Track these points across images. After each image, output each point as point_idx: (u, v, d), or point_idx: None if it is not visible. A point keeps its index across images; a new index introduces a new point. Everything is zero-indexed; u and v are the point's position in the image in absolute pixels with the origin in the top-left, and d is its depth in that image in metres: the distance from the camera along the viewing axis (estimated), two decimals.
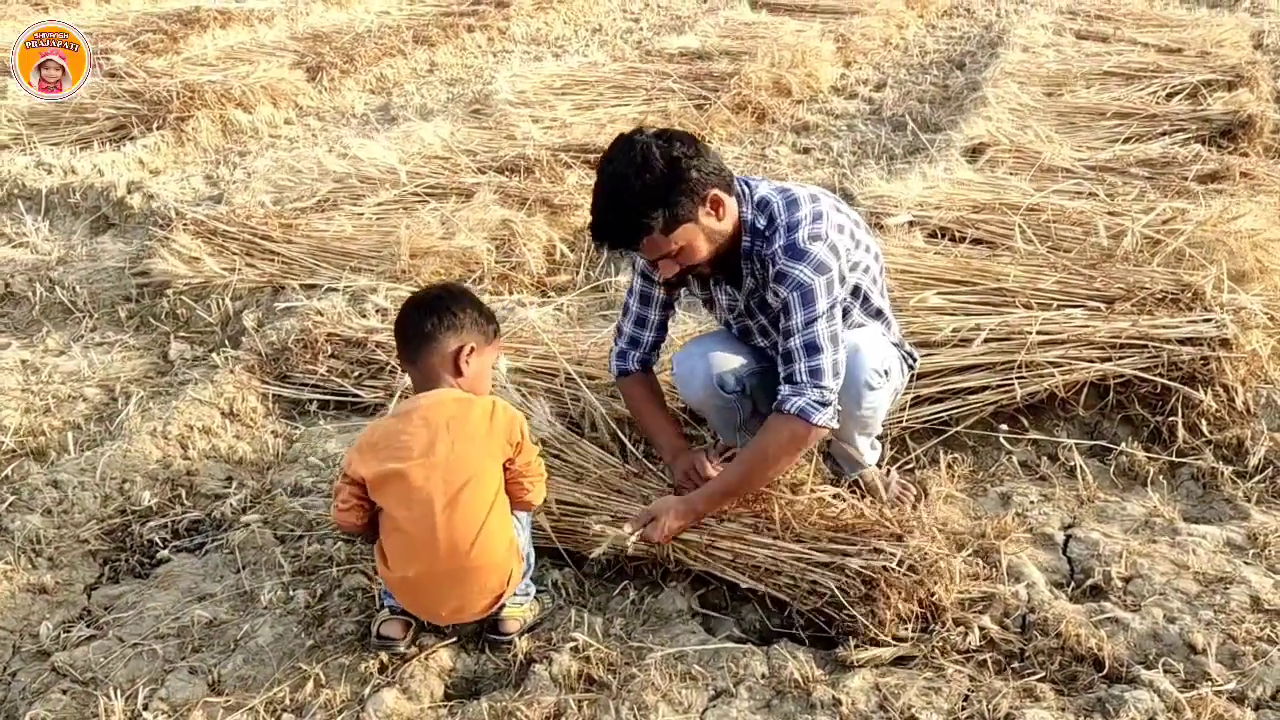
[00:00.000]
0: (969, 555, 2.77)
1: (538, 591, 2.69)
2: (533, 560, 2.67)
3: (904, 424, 3.24)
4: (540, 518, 2.77)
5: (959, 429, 3.28)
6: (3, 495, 3.17)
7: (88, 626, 2.78)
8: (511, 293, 4.38)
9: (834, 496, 2.70)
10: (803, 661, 2.43)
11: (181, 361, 4.16)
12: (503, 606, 2.55)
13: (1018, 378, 3.24)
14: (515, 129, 6.00)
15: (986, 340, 3.32)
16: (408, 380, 3.01)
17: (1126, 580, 2.70)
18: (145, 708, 2.45)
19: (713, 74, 6.88)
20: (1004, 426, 3.27)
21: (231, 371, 3.81)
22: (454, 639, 2.59)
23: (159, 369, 4.15)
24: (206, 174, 6.14)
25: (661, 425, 2.92)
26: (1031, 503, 3.04)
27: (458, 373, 2.51)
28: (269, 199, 5.02)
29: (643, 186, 2.45)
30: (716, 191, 2.54)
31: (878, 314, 2.82)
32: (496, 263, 4.41)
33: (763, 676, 2.44)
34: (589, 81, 6.89)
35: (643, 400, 2.97)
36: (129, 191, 5.58)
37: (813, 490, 2.72)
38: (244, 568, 2.92)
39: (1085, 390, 3.30)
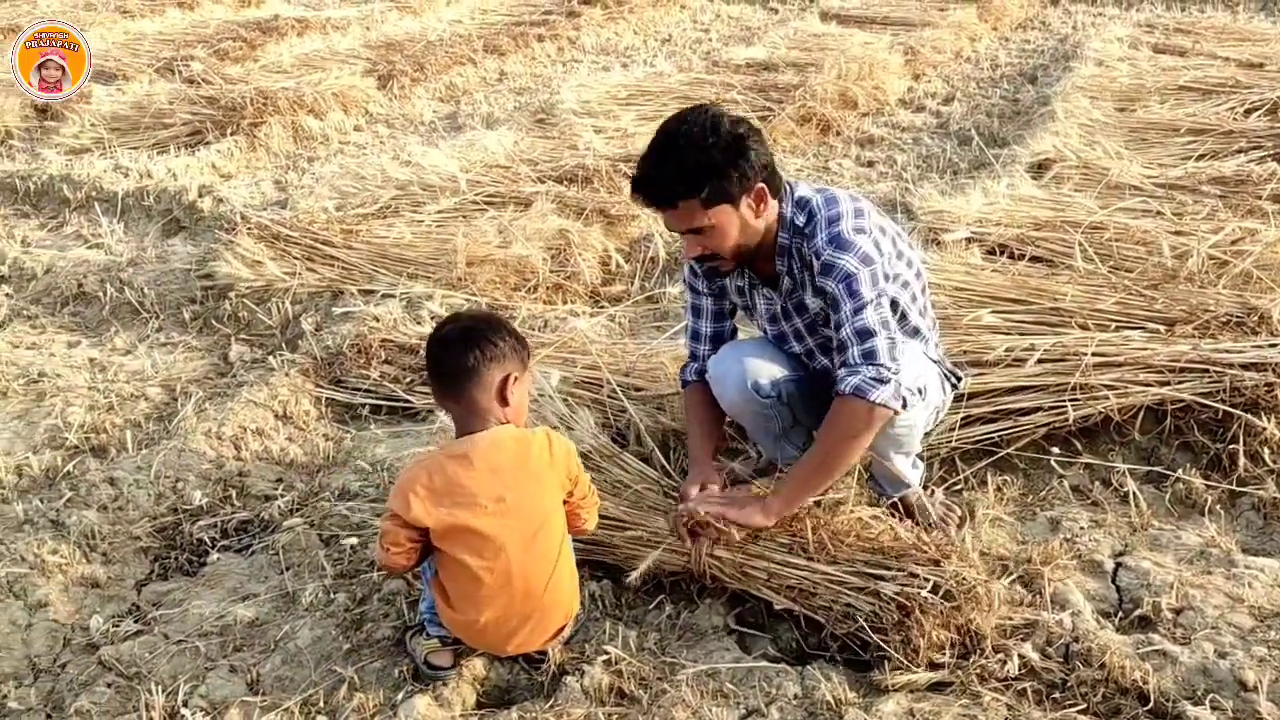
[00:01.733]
0: (1012, 581, 2.72)
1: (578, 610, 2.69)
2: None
3: (953, 444, 3.19)
4: None
5: (1009, 450, 3.22)
6: (62, 490, 3.26)
7: (135, 622, 2.84)
8: (565, 302, 4.40)
9: (872, 518, 2.65)
10: (836, 684, 2.40)
11: (241, 363, 4.23)
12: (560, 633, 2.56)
13: (1071, 400, 3.16)
14: (578, 139, 6.02)
15: (1040, 361, 3.26)
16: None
17: (1177, 612, 2.63)
18: (185, 704, 2.50)
19: (778, 85, 6.84)
20: (1055, 450, 3.20)
21: (286, 374, 3.88)
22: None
23: (219, 370, 4.23)
24: (276, 179, 6.25)
25: (696, 435, 2.91)
26: (1081, 528, 2.97)
27: (504, 403, 2.42)
28: (332, 205, 5.10)
29: (702, 149, 2.44)
30: (764, 187, 2.53)
31: (915, 333, 2.77)
32: (551, 272, 4.43)
33: (795, 697, 2.41)
34: (653, 92, 6.90)
35: (691, 409, 2.97)
36: (200, 195, 5.71)
37: (851, 510, 2.68)
38: (287, 569, 2.96)
39: (1142, 415, 3.21)
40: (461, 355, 2.40)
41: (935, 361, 2.85)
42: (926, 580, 2.42)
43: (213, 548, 3.11)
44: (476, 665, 2.56)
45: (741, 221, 2.55)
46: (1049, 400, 3.20)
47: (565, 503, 2.52)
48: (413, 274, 4.42)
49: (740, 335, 3.04)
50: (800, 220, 2.59)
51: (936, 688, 2.41)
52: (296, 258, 4.62)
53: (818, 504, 2.72)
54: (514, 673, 2.58)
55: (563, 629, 2.54)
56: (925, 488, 3.03)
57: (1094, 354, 3.24)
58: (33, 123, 7.54)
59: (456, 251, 4.38)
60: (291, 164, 6.60)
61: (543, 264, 4.42)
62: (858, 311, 2.50)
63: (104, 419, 3.81)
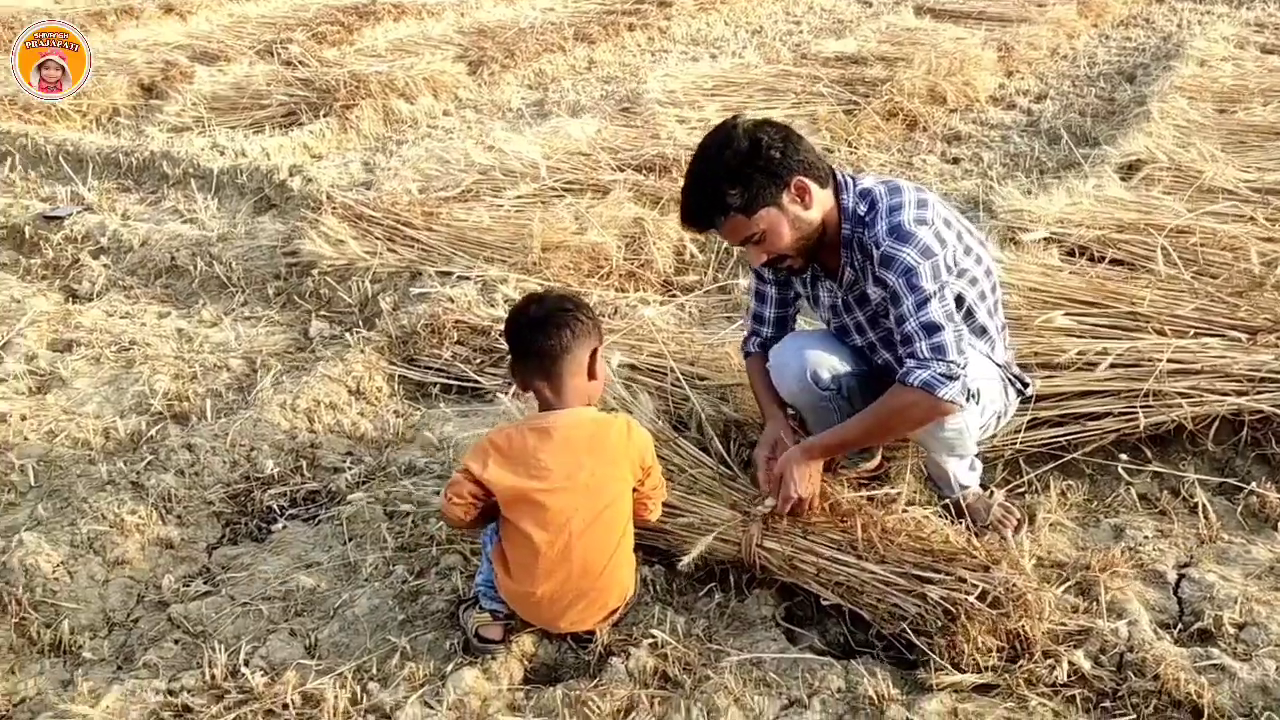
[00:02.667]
0: (1068, 587, 2.68)
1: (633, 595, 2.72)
2: None
3: (1018, 446, 3.14)
4: None
5: (1076, 455, 3.16)
6: (144, 454, 3.39)
7: (205, 583, 2.95)
8: (637, 290, 4.43)
9: (924, 518, 2.64)
10: (880, 680, 2.39)
11: (320, 339, 4.35)
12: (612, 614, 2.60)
13: (1142, 406, 3.10)
14: (661, 128, 6.04)
15: (1113, 365, 3.19)
16: None
17: (1240, 627, 2.56)
18: (246, 663, 2.59)
19: (865, 79, 6.78)
20: (1124, 456, 3.13)
21: (362, 351, 3.97)
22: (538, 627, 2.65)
23: (299, 345, 4.35)
24: (364, 160, 6.38)
25: (763, 392, 2.94)
26: (1146, 538, 2.91)
27: (593, 376, 2.51)
28: (415, 187, 5.20)
29: (722, 163, 2.47)
30: (802, 178, 2.52)
31: (981, 332, 2.74)
32: (625, 259, 4.46)
33: (838, 691, 2.41)
34: (740, 83, 6.89)
35: (756, 373, 2.99)
36: (290, 175, 5.86)
37: (904, 510, 2.67)
38: (350, 540, 3.05)
39: (1217, 424, 3.13)
40: (553, 336, 2.47)
41: (1000, 365, 2.81)
42: (975, 586, 2.39)
43: (281, 515, 3.21)
44: (525, 642, 2.60)
45: (791, 218, 2.55)
46: (1120, 406, 3.14)
47: (635, 491, 2.56)
48: (489, 257, 4.49)
49: (802, 324, 3.04)
50: (863, 209, 2.58)
51: (982, 689, 2.39)
52: (378, 238, 4.72)
53: (870, 499, 2.72)
54: (561, 651, 2.62)
55: (616, 610, 2.57)
56: (985, 488, 3.00)
57: (1169, 360, 3.16)
58: (139, 100, 7.83)
59: (532, 236, 4.43)
60: (380, 146, 6.74)
61: (616, 251, 4.45)
62: (921, 306, 2.48)
63: (187, 388, 3.95)
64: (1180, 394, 3.10)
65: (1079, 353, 3.25)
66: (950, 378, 2.47)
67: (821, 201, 2.57)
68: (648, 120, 6.36)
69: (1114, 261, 3.91)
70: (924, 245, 2.49)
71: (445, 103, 7.59)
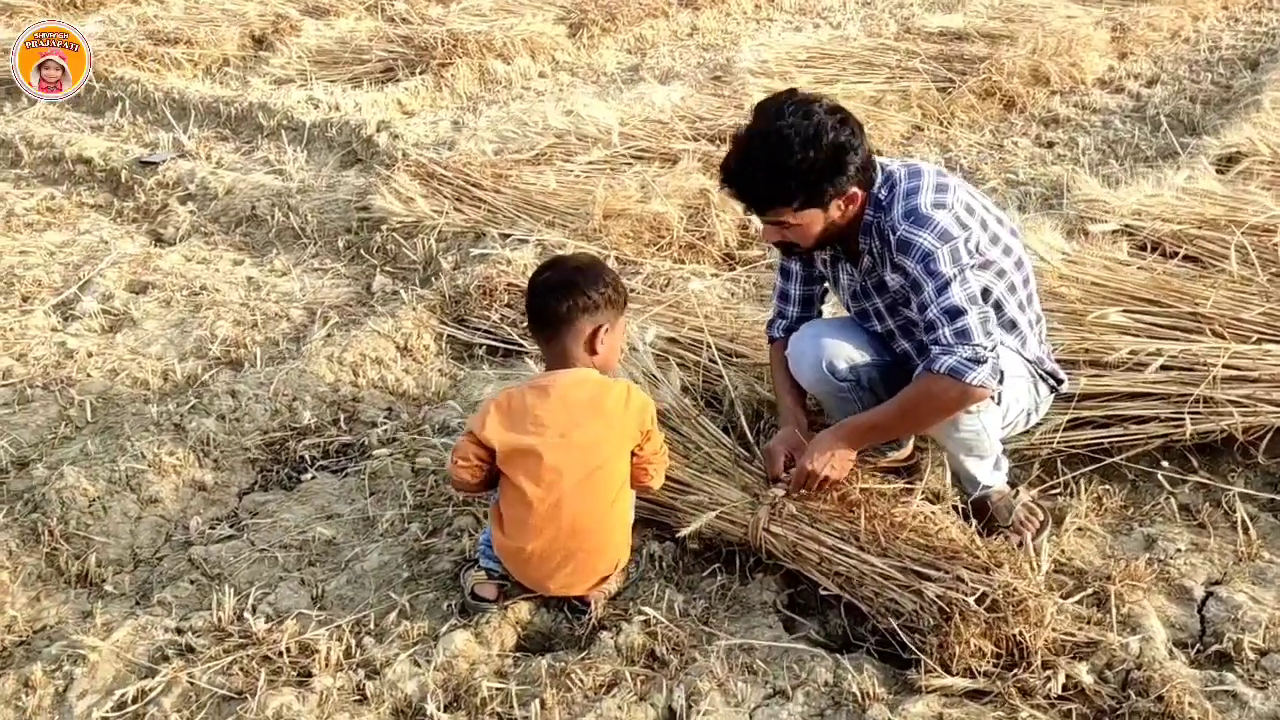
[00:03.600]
0: (1084, 596, 2.58)
1: (626, 563, 2.71)
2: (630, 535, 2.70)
3: (1055, 446, 3.02)
4: None
5: (1118, 459, 3.03)
6: (189, 398, 3.50)
7: (230, 527, 3.04)
8: (697, 262, 4.38)
9: (933, 513, 2.56)
10: (866, 677, 2.33)
11: (382, 294, 4.42)
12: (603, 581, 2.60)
13: (1190, 412, 2.94)
14: (746, 99, 5.94)
15: (1164, 367, 3.04)
16: None
17: (1262, 654, 2.42)
18: (254, 609, 2.66)
19: (964, 56, 6.55)
20: (1166, 464, 2.99)
21: (414, 309, 4.02)
22: (536, 595, 2.65)
23: (360, 299, 4.43)
24: (454, 119, 6.43)
25: (782, 389, 2.87)
26: (1178, 550, 2.77)
27: (592, 352, 2.51)
28: (491, 148, 5.23)
29: (802, 160, 2.37)
30: (857, 190, 2.47)
31: (1011, 326, 2.63)
32: (686, 230, 4.42)
33: (825, 685, 2.36)
34: (835, 56, 6.73)
35: (778, 365, 2.92)
36: (377, 130, 5.95)
37: (914, 504, 2.59)
38: (372, 495, 3.10)
39: (1270, 436, 2.96)
40: (556, 303, 2.49)
41: (1031, 361, 2.70)
42: (974, 587, 2.31)
43: (311, 466, 3.29)
44: (522, 609, 2.62)
45: (827, 222, 2.50)
46: (1167, 410, 2.99)
47: (634, 456, 2.55)
48: (551, 222, 4.49)
49: (829, 311, 2.97)
50: (883, 195, 2.50)
51: (973, 695, 2.32)
52: (446, 197, 4.77)
53: (882, 491, 2.65)
54: (557, 620, 2.63)
55: (607, 578, 2.57)
56: (1013, 487, 2.89)
57: (1225, 365, 3.00)
58: (249, 52, 8.04)
59: (595, 203, 4.42)
60: (472, 106, 6.78)
61: (678, 222, 4.41)
62: (942, 290, 2.40)
63: (247, 335, 4.07)
64: (1233, 402, 2.94)
65: (1130, 352, 3.10)
66: (977, 361, 2.39)
67: (860, 204, 2.51)
68: (736, 90, 6.27)
69: (1186, 258, 3.71)
70: (941, 229, 2.40)
71: (541, 64, 7.59)
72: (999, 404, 2.58)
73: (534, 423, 2.44)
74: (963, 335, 2.40)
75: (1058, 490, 3.00)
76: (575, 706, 2.35)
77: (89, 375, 3.79)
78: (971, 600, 2.29)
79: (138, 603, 2.77)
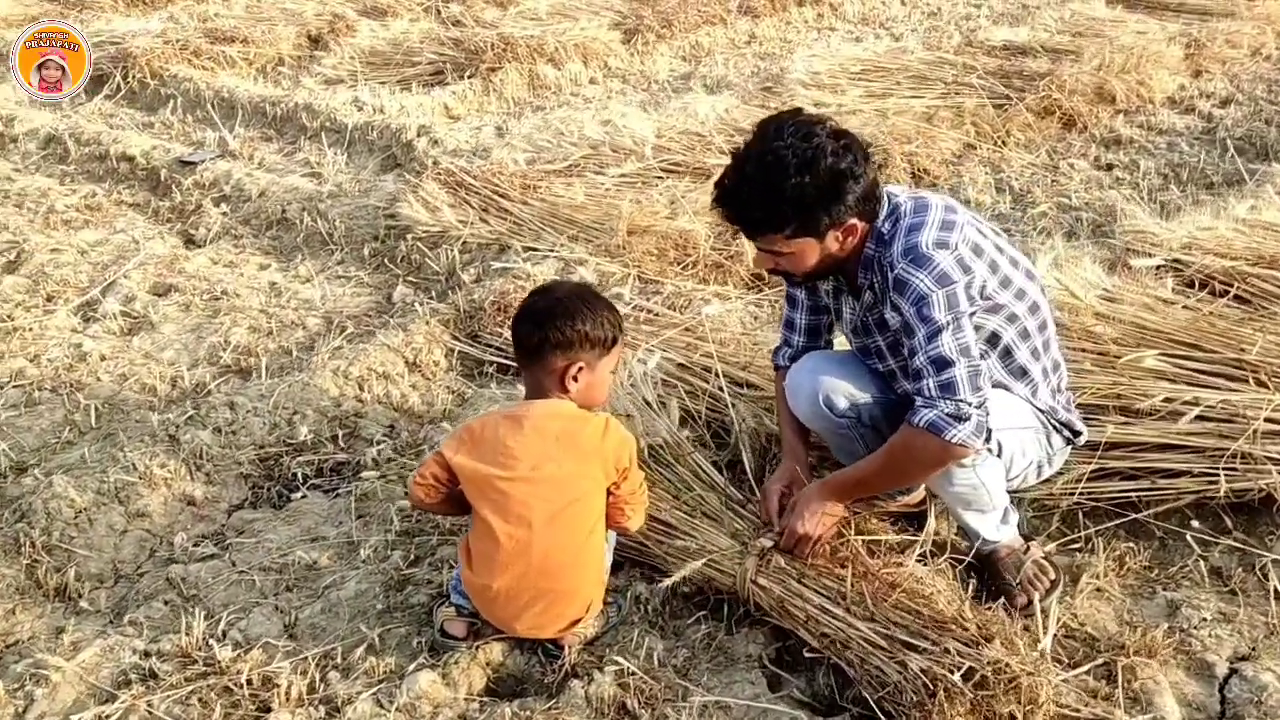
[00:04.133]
0: (1095, 668, 2.40)
1: (606, 604, 2.59)
2: (607, 577, 2.58)
3: (1076, 498, 2.84)
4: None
5: (1145, 515, 2.83)
6: (187, 409, 3.45)
7: (214, 545, 2.98)
8: (723, 282, 4.23)
9: (924, 575, 2.39)
10: None
11: (402, 305, 4.34)
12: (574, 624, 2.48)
13: (1226, 469, 2.74)
14: None
15: (1200, 418, 2.84)
16: None
17: None
18: (223, 635, 2.58)
19: (1023, 72, 6.30)
20: (1195, 523, 2.79)
21: (427, 323, 3.94)
22: (508, 635, 2.54)
23: (380, 309, 4.36)
24: (498, 125, 6.36)
25: (790, 422, 2.73)
26: (1204, 620, 2.57)
27: (564, 389, 2.39)
28: (524, 158, 5.14)
29: (796, 186, 2.24)
30: (856, 221, 2.32)
31: (1021, 374, 2.46)
32: (713, 249, 4.28)
33: None
34: (889, 69, 6.53)
35: (782, 396, 2.77)
36: (417, 135, 5.89)
37: (900, 564, 2.43)
38: (359, 518, 3.02)
39: None
40: (530, 333, 2.40)
41: (1043, 411, 2.52)
42: (960, 662, 2.15)
43: (304, 484, 3.21)
44: (494, 650, 2.50)
45: (823, 253, 2.36)
46: (1202, 465, 2.79)
47: (611, 494, 2.43)
48: (575, 236, 4.38)
49: (838, 344, 2.82)
50: (886, 228, 2.35)
51: None
52: (474, 207, 4.69)
53: (873, 551, 2.50)
54: (529, 663, 2.51)
55: (578, 621, 2.44)
56: (1029, 540, 2.72)
57: (1267, 419, 2.78)
58: (304, 51, 8.05)
59: (620, 218, 4.30)
60: (519, 111, 6.70)
61: (705, 240, 4.27)
62: (932, 338, 2.24)
63: (260, 342, 4.02)
64: (1273, 459, 2.72)
65: (1166, 399, 2.90)
66: (959, 419, 2.23)
67: (859, 236, 2.36)
68: (785, 101, 6.09)
69: (1237, 298, 3.47)
70: (940, 271, 2.24)
71: (593, 70, 7.47)
72: (999, 456, 2.41)
73: (505, 454, 2.33)
74: (947, 389, 2.24)
75: (1077, 545, 2.82)
76: None
77: (99, 379, 3.77)
78: (957, 676, 2.12)
79: (111, 621, 2.72)
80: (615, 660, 2.42)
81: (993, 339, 2.38)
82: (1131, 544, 2.81)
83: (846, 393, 2.54)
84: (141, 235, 5.04)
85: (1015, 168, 5.49)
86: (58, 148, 6.17)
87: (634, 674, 2.39)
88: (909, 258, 2.26)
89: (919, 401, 2.28)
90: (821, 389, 2.55)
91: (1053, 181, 5.30)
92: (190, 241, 5.06)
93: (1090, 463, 2.84)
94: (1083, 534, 2.83)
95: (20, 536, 2.90)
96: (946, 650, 2.17)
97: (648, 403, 2.99)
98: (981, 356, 2.32)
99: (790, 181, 2.24)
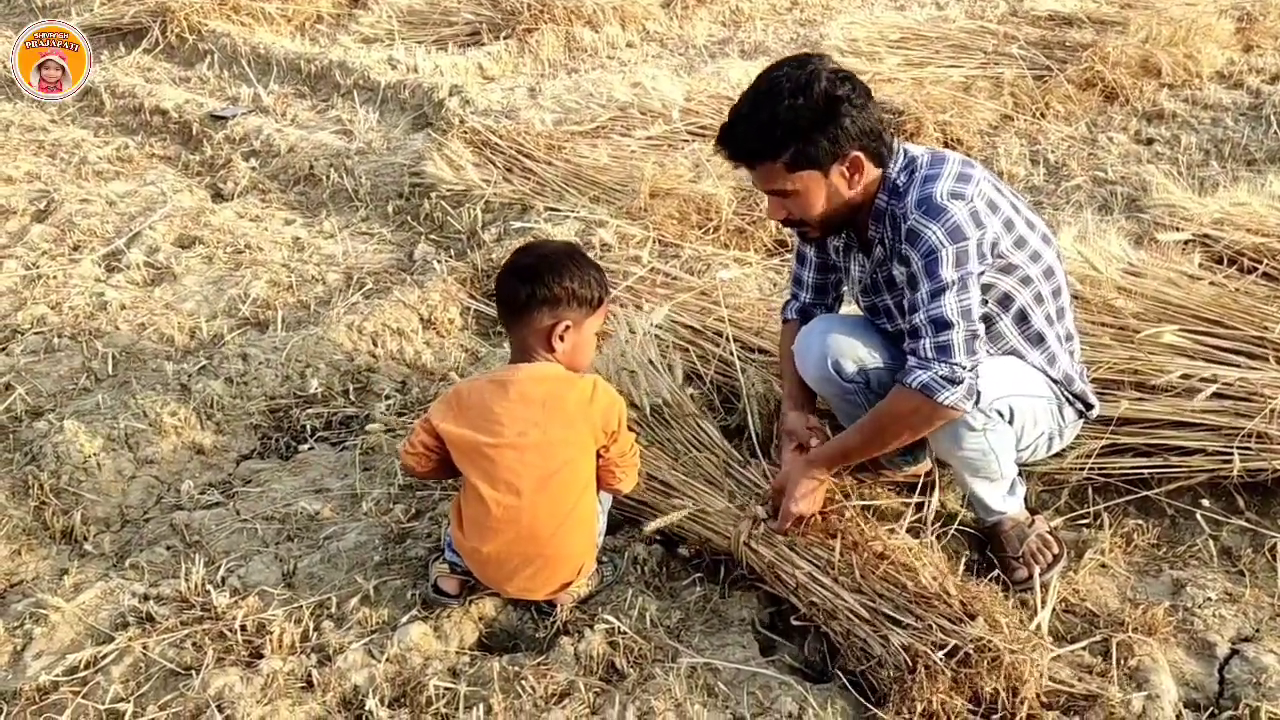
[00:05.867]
0: (1093, 644, 2.35)
1: (601, 563, 2.57)
2: (602, 538, 2.56)
3: (1086, 474, 2.78)
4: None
5: (1156, 492, 2.77)
6: (200, 359, 3.47)
7: (220, 494, 3.00)
8: (744, 248, 4.18)
9: (911, 547, 2.35)
10: (831, 714, 2.16)
11: (423, 262, 4.34)
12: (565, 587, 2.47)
13: (1240, 448, 2.67)
14: None
15: (1217, 395, 2.76)
16: None
17: None
18: (222, 581, 2.61)
19: (1066, 43, 6.16)
20: (1205, 502, 2.72)
21: (444, 280, 3.93)
22: None
23: (401, 266, 4.35)
24: (531, 86, 6.32)
25: (791, 379, 2.69)
26: (1209, 599, 2.51)
27: (550, 349, 2.37)
28: (551, 118, 5.10)
29: (790, 108, 2.19)
30: (860, 155, 2.26)
31: (1038, 340, 2.40)
32: (736, 214, 4.22)
33: (788, 716, 2.20)
34: (929, 37, 6.41)
35: (786, 349, 2.74)
36: (449, 94, 5.87)
37: (891, 533, 2.40)
38: (364, 471, 3.02)
39: None
40: (515, 290, 2.36)
41: (1058, 381, 2.46)
42: (944, 640, 2.11)
43: (312, 437, 3.22)
44: (487, 604, 2.51)
45: (830, 190, 2.29)
46: (1216, 444, 2.72)
47: (600, 458, 2.41)
48: (596, 197, 4.35)
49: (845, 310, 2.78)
50: (901, 180, 2.29)
51: None
52: (498, 166, 4.67)
53: (865, 520, 2.46)
54: (522, 619, 2.51)
55: (569, 584, 2.44)
56: (1035, 513, 2.67)
57: None
58: (343, 9, 8.05)
59: (642, 179, 4.26)
60: (553, 73, 6.66)
61: (728, 205, 4.22)
62: (935, 296, 2.20)
63: (279, 296, 4.03)
64: None
65: (1183, 376, 2.83)
66: (953, 381, 2.20)
67: (868, 178, 2.31)
68: None
69: (1266, 276, 3.38)
70: (954, 224, 2.19)
71: (631, 34, 7.40)
72: (1010, 423, 2.36)
73: (491, 420, 2.31)
74: (944, 351, 2.20)
75: (1086, 521, 2.76)
76: (523, 715, 2.23)
77: (118, 328, 3.80)
78: (940, 654, 2.08)
79: (114, 565, 2.74)
80: (606, 619, 2.41)
81: (1005, 300, 2.33)
82: (1141, 521, 2.75)
83: (855, 357, 2.50)
84: (170, 188, 5.07)
85: (1052, 140, 5.37)
86: (94, 100, 6.22)
87: (624, 633, 2.38)
88: (923, 208, 2.21)
89: (912, 361, 2.24)
90: (830, 352, 2.50)
91: (1089, 155, 5.18)
92: (218, 195, 5.08)
93: (1102, 438, 2.78)
94: (1092, 510, 2.77)
95: (30, 479, 2.94)
96: (929, 626, 2.14)
97: (652, 363, 2.96)
98: (986, 323, 2.27)
99: (784, 104, 2.20)
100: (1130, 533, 2.71)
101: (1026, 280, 2.34)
